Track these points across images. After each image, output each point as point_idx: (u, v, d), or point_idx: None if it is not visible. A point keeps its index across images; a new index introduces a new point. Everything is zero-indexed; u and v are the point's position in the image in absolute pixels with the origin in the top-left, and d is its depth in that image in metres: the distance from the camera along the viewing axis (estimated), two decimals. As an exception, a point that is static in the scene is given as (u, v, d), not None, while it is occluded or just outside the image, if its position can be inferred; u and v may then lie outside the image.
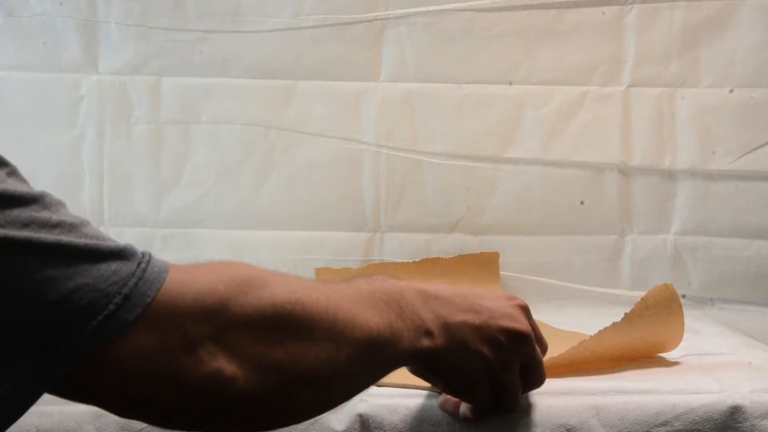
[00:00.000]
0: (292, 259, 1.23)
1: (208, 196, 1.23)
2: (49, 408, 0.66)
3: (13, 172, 0.46)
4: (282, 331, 0.50)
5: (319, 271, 1.20)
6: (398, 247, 1.24)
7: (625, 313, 0.75)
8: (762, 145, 1.21)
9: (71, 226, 0.45)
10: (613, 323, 0.74)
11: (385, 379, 0.59)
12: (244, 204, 1.24)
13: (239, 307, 0.48)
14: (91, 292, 0.43)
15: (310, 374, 0.51)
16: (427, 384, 0.66)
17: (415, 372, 0.62)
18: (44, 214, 0.44)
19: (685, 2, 1.22)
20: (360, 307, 0.54)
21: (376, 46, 1.23)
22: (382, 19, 1.22)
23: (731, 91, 1.22)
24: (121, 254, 0.46)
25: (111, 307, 0.44)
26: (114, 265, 0.45)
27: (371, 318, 0.54)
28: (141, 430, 0.67)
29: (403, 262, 1.22)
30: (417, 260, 1.22)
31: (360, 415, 0.68)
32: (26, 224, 0.43)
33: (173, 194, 1.23)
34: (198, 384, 0.47)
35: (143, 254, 0.47)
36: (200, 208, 1.23)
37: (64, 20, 1.20)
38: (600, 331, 0.75)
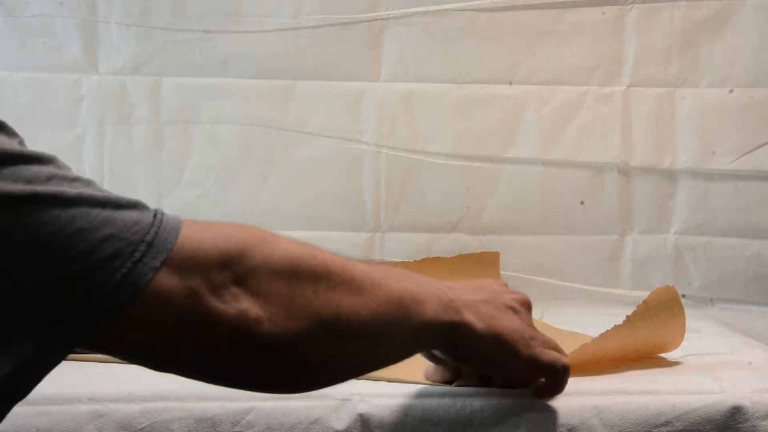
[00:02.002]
0: (292, 259, 1.23)
1: (208, 196, 1.24)
2: (48, 408, 0.66)
3: (23, 143, 0.47)
4: (301, 277, 0.51)
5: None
6: (398, 247, 1.24)
7: (627, 316, 0.75)
8: (762, 145, 1.21)
9: (87, 182, 0.46)
10: (615, 326, 0.74)
11: (379, 374, 0.59)
12: (244, 204, 1.24)
13: (259, 254, 0.50)
14: (116, 242, 0.44)
15: (333, 322, 0.51)
16: (422, 378, 0.66)
17: (432, 354, 0.61)
18: (62, 171, 0.45)
19: (685, 2, 1.22)
20: (377, 274, 0.55)
21: (376, 46, 1.23)
22: (382, 19, 1.23)
23: (731, 91, 1.22)
24: (137, 205, 0.47)
25: (137, 254, 0.44)
26: (134, 215, 0.46)
27: (392, 283, 0.55)
28: (141, 429, 0.67)
29: (403, 262, 1.22)
30: (417, 260, 1.22)
31: (361, 415, 0.68)
32: (49, 178, 0.43)
33: (173, 194, 1.23)
34: (224, 325, 0.47)
35: (156, 209, 0.48)
36: (200, 208, 1.23)
37: (64, 20, 1.20)
38: (602, 334, 0.75)
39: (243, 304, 0.48)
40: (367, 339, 0.53)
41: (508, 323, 0.60)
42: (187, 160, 1.23)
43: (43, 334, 0.43)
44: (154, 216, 0.47)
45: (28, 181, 0.43)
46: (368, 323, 0.53)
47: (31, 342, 0.43)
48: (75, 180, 0.45)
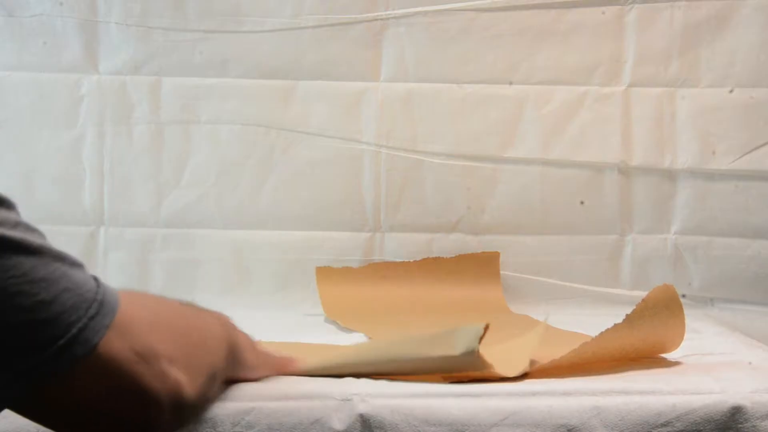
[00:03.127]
0: (292, 259, 1.23)
1: (208, 196, 1.23)
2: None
3: None
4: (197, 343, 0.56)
5: (319, 271, 1.20)
6: (398, 247, 1.24)
7: (626, 315, 0.75)
8: (762, 145, 1.21)
9: (42, 234, 0.46)
10: (615, 324, 0.74)
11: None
12: (244, 204, 1.24)
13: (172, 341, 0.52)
14: (73, 296, 0.44)
15: (217, 373, 0.58)
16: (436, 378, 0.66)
17: None
18: (22, 219, 0.45)
19: (685, 2, 1.22)
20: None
21: (376, 46, 1.23)
22: (382, 19, 1.22)
23: (731, 91, 1.22)
24: (82, 266, 0.48)
25: (91, 311, 0.45)
26: (82, 274, 0.47)
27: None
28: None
29: (403, 262, 1.22)
30: (417, 260, 1.22)
31: (361, 415, 0.68)
32: (15, 225, 0.44)
33: (173, 194, 1.23)
34: (164, 390, 0.49)
35: (91, 274, 0.49)
36: (200, 208, 1.23)
37: (64, 20, 1.20)
38: (601, 333, 0.75)
39: (176, 372, 0.50)
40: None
41: None
42: (187, 160, 1.23)
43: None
44: (95, 279, 0.48)
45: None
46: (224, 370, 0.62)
47: None
48: (35, 230, 0.45)
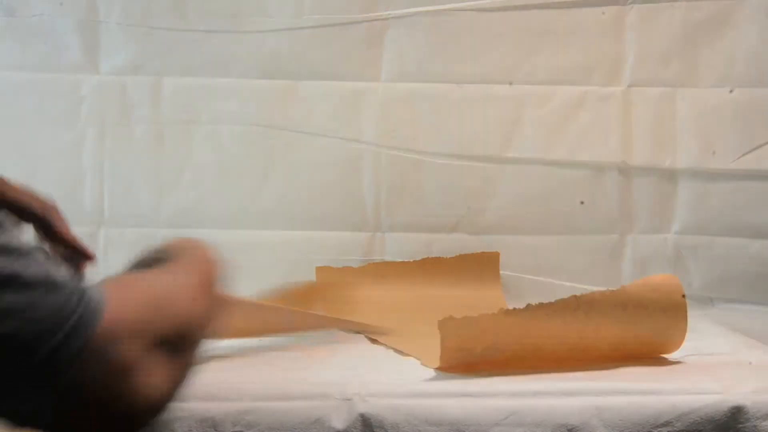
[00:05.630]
0: (292, 259, 1.23)
1: (208, 196, 1.23)
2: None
3: None
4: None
5: (319, 271, 1.20)
6: (399, 247, 1.24)
7: (622, 286, 0.75)
8: (762, 145, 1.21)
9: (23, 251, 0.46)
10: (609, 289, 0.75)
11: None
12: (244, 204, 1.24)
13: (158, 329, 0.51)
14: (41, 324, 0.44)
15: (185, 373, 0.55)
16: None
17: None
18: (4, 238, 0.45)
19: (685, 2, 1.22)
20: None
21: (377, 46, 1.23)
22: (382, 19, 1.22)
23: (731, 91, 1.22)
24: (61, 285, 0.47)
25: (65, 330, 0.45)
26: (59, 296, 0.46)
27: None
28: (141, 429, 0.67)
29: (403, 262, 1.22)
30: (417, 260, 1.22)
31: (361, 415, 0.68)
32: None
33: (173, 194, 1.23)
34: (144, 402, 0.49)
35: (82, 287, 0.48)
36: (200, 208, 1.23)
37: (65, 21, 1.20)
38: (593, 292, 0.75)
39: (156, 374, 0.50)
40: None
41: None
42: (187, 160, 1.23)
43: None
44: (79, 298, 0.47)
45: None
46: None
47: None
48: (12, 251, 0.45)
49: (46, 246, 0.76)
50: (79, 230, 1.20)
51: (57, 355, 0.45)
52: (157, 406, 0.51)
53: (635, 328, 0.77)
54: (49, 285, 0.46)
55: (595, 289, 1.22)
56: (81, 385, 0.46)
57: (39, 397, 0.45)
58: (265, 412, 0.67)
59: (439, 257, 1.23)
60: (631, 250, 1.24)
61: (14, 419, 0.46)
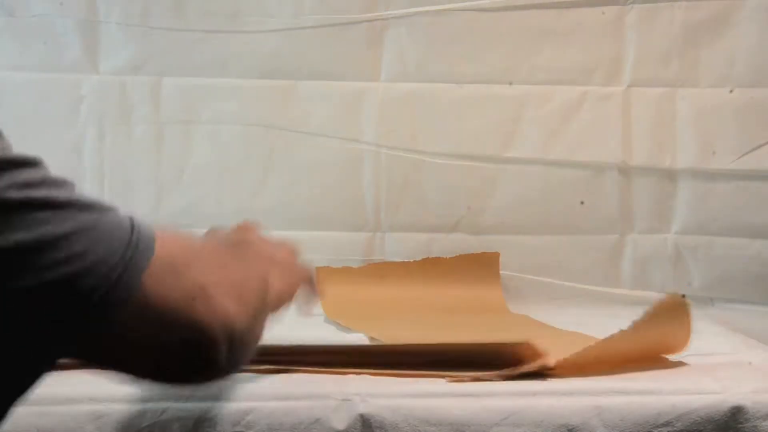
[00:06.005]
0: (293, 259, 1.23)
1: (208, 196, 1.23)
2: (49, 408, 0.66)
3: (10, 147, 0.47)
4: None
5: (319, 271, 1.20)
6: (398, 247, 1.24)
7: (634, 321, 0.74)
8: (762, 145, 1.21)
9: (72, 184, 0.47)
10: (621, 331, 0.74)
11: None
12: (244, 204, 1.24)
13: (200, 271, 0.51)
14: (108, 243, 0.44)
15: (262, 307, 0.55)
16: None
17: None
18: (51, 174, 0.46)
19: (685, 2, 1.22)
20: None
21: (376, 46, 1.23)
22: (382, 19, 1.22)
23: (731, 91, 1.22)
24: (114, 209, 0.47)
25: (128, 254, 0.45)
26: (116, 217, 0.46)
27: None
28: (141, 429, 0.67)
29: (403, 262, 1.22)
30: (417, 260, 1.22)
31: (361, 415, 0.68)
32: (41, 183, 0.44)
33: (173, 194, 1.23)
34: (216, 323, 0.48)
35: (128, 214, 0.48)
36: (200, 208, 1.23)
37: (64, 20, 1.20)
38: (607, 338, 0.74)
39: (224, 300, 0.49)
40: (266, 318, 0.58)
41: None
42: (187, 160, 1.23)
43: (40, 337, 0.43)
44: (131, 219, 0.47)
45: (22, 186, 0.43)
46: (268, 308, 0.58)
47: (29, 345, 0.43)
48: (62, 184, 0.46)
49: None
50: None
51: (125, 276, 0.44)
52: (237, 336, 0.49)
53: (639, 336, 0.77)
54: (103, 207, 0.46)
55: (595, 289, 1.23)
56: (155, 303, 0.45)
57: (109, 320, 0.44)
58: (264, 413, 0.67)
59: (439, 257, 1.23)
60: (631, 250, 1.24)
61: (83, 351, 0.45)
